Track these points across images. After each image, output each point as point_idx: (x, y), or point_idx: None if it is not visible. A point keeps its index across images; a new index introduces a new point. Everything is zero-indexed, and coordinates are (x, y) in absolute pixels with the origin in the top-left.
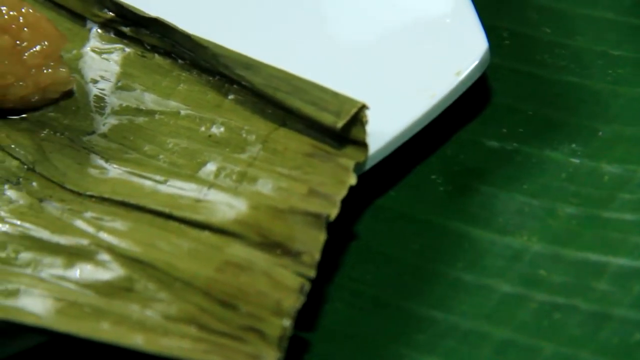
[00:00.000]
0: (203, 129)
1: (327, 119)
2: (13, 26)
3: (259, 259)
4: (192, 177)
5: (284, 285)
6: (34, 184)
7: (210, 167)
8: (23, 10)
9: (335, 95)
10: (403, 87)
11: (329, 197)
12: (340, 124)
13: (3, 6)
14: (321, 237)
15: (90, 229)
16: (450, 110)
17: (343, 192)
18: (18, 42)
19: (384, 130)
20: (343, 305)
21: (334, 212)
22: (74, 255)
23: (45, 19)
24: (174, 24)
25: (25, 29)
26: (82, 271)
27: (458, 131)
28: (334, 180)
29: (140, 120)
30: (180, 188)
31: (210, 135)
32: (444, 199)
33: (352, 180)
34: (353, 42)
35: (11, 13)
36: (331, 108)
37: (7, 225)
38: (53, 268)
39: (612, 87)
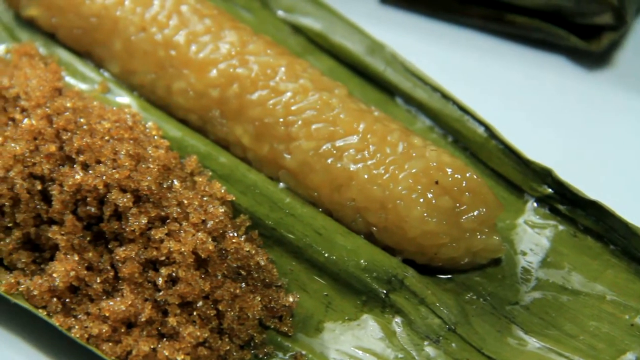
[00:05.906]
0: (627, 317)
1: None
2: (455, 189)
3: None
4: None
5: None
6: (453, 344)
7: (630, 357)
8: (468, 175)
9: None
10: None
11: None
12: None
13: (449, 168)
14: None
15: None
16: None
17: None
18: (458, 204)
19: None
20: None
21: None
22: None
23: (486, 186)
24: (612, 209)
25: (467, 193)
26: None
27: None
28: None
29: (564, 298)
30: None
31: (632, 325)
32: None
33: None
34: None
35: (456, 176)
36: None
37: None
38: None
39: None
